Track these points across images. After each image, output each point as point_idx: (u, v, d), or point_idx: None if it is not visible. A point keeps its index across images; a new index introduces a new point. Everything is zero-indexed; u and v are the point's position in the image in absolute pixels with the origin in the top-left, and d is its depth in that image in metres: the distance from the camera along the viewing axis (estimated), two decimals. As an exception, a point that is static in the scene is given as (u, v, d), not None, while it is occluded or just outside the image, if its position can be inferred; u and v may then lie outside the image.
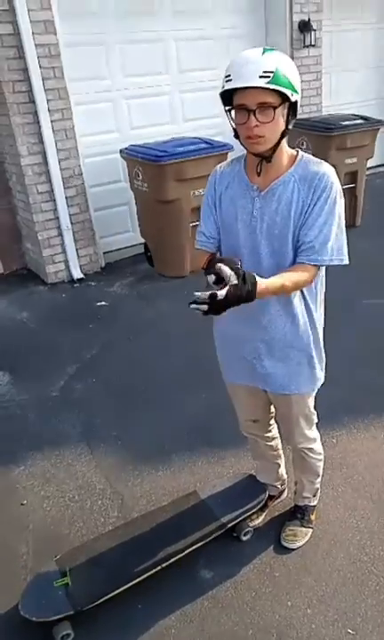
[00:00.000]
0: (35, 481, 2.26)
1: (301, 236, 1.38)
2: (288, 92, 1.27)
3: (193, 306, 1.21)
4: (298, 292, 1.47)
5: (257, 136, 1.30)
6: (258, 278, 1.27)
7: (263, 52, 1.27)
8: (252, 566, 1.81)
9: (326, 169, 1.38)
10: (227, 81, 1.28)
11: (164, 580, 1.74)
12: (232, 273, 1.21)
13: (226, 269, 1.21)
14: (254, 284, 1.25)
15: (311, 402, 1.70)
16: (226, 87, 1.29)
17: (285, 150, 1.39)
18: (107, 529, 1.97)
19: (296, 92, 1.29)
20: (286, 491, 2.05)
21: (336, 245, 1.38)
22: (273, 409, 1.79)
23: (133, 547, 1.79)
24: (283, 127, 1.33)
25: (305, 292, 1.49)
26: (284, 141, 1.37)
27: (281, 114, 1.30)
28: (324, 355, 1.63)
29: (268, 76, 1.23)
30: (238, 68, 1.27)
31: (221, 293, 1.18)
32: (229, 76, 1.28)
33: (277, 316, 1.50)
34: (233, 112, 1.32)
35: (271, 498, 2.00)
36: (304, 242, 1.37)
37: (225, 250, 1.53)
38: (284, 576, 1.78)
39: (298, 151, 1.43)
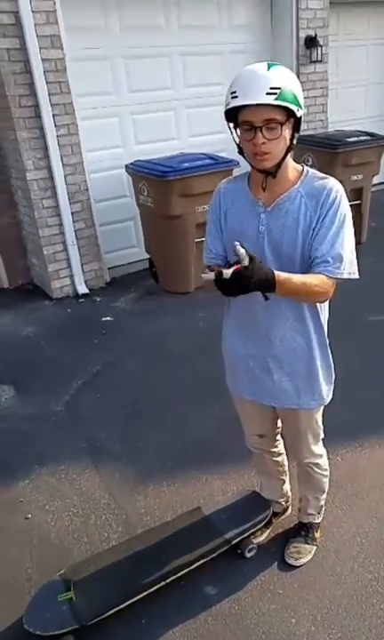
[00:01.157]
0: (39, 495, 2.27)
1: (313, 251, 1.37)
2: (294, 107, 1.28)
3: (204, 275, 1.21)
4: (309, 308, 1.48)
5: (263, 153, 1.31)
6: (277, 272, 1.25)
7: (269, 68, 1.27)
8: (255, 583, 1.81)
9: (333, 183, 1.39)
10: (232, 97, 1.28)
11: (168, 595, 1.75)
12: (246, 255, 1.19)
13: (241, 249, 1.20)
14: (271, 272, 1.23)
15: (319, 417, 1.70)
16: (232, 104, 1.28)
17: (291, 165, 1.40)
18: (111, 544, 1.97)
19: (301, 107, 1.31)
20: (290, 508, 2.05)
21: (348, 259, 1.37)
22: (280, 423, 1.80)
23: (137, 562, 1.80)
24: (288, 143, 1.34)
25: (316, 307, 1.50)
26: (290, 156, 1.38)
27: (287, 129, 1.31)
28: (333, 370, 1.63)
29: (275, 93, 1.24)
30: (244, 84, 1.26)
31: (227, 272, 1.18)
32: (235, 92, 1.27)
33: (288, 331, 1.50)
34: (237, 128, 1.33)
35: (275, 515, 2.00)
36: (317, 256, 1.36)
37: None
38: (287, 593, 1.78)
39: (303, 166, 1.44)
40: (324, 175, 1.43)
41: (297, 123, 1.33)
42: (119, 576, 1.76)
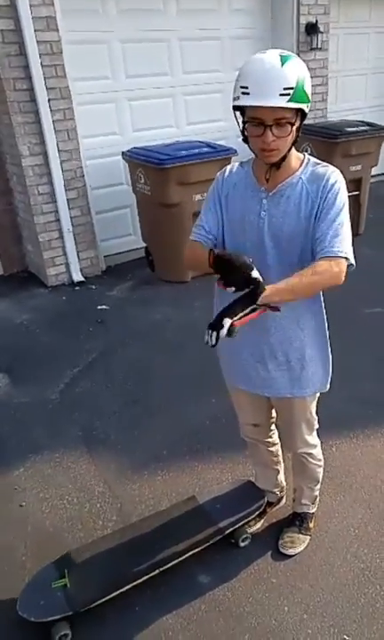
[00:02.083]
0: (34, 483, 2.27)
1: (315, 233, 1.36)
2: (305, 106, 1.26)
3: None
4: (321, 297, 1.47)
5: (272, 149, 1.31)
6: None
7: (283, 62, 1.20)
8: (249, 572, 1.83)
9: (333, 170, 1.40)
10: (243, 93, 1.23)
11: (161, 583, 1.76)
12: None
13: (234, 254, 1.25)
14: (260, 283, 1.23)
15: (313, 407, 1.71)
16: (243, 102, 1.24)
17: (294, 154, 1.40)
18: (105, 532, 1.98)
19: (310, 102, 1.29)
20: (285, 498, 2.06)
21: (346, 242, 1.34)
22: (274, 413, 1.80)
23: (132, 550, 1.81)
24: (293, 137, 1.33)
25: (316, 296, 1.49)
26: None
27: (297, 124, 1.30)
28: (330, 359, 1.63)
29: (289, 94, 1.20)
30: (257, 80, 1.21)
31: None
32: (246, 88, 1.22)
33: (284, 319, 1.49)
34: (245, 120, 1.30)
35: (270, 504, 2.01)
36: (316, 237, 1.35)
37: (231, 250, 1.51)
38: (281, 582, 1.79)
39: (304, 154, 1.45)
40: (324, 163, 1.43)
41: (304, 114, 1.32)
42: (113, 564, 1.77)
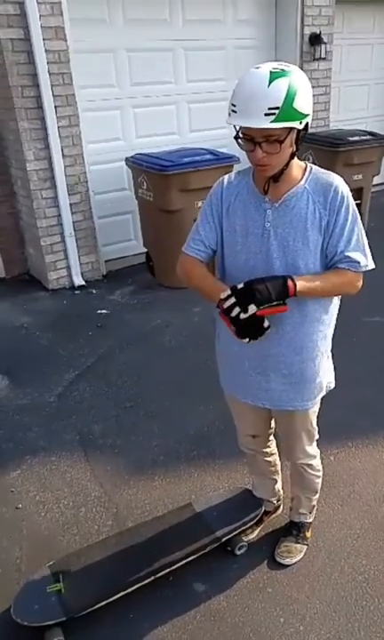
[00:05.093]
0: (30, 486, 2.26)
1: (330, 248, 1.38)
2: (295, 123, 1.23)
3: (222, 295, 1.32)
4: (313, 307, 1.45)
5: (263, 164, 1.31)
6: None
7: (270, 81, 1.19)
8: (245, 581, 1.81)
9: (338, 179, 1.39)
10: (232, 110, 1.24)
11: (156, 590, 1.74)
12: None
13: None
14: (282, 276, 1.33)
15: (314, 418, 1.69)
16: (231, 120, 1.25)
17: (295, 164, 1.38)
18: (101, 537, 1.96)
19: (306, 116, 1.26)
20: (282, 506, 2.05)
21: (365, 251, 1.41)
22: (273, 424, 1.79)
23: (127, 556, 1.79)
24: (291, 151, 1.32)
25: (322, 306, 1.47)
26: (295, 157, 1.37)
27: (289, 141, 1.28)
28: (332, 368, 1.62)
29: (274, 114, 1.19)
30: (243, 99, 1.21)
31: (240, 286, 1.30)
32: (235, 106, 1.23)
33: (288, 332, 1.46)
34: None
35: (267, 513, 1.99)
36: (336, 253, 1.38)
37: (228, 264, 1.48)
38: (277, 592, 1.77)
39: (306, 163, 1.43)
40: (326, 171, 1.43)
41: (304, 127, 1.29)
42: (108, 570, 1.75)
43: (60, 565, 1.76)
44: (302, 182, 1.38)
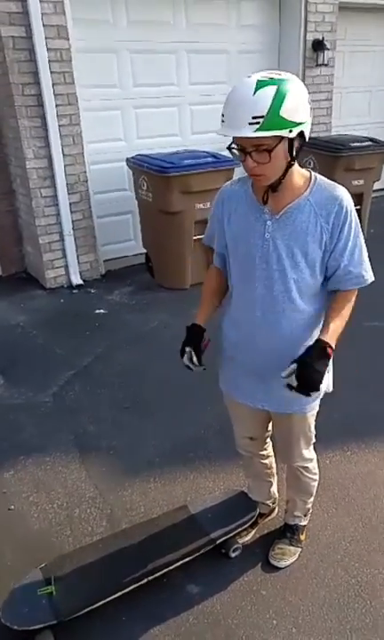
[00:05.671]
0: (24, 486, 2.24)
1: (332, 261, 1.39)
2: (283, 132, 1.20)
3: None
4: (315, 311, 1.49)
5: (256, 174, 1.30)
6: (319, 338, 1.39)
7: (256, 90, 1.17)
8: (239, 583, 1.80)
9: (343, 193, 1.37)
10: (222, 120, 1.24)
11: (149, 592, 1.73)
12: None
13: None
14: (317, 342, 1.39)
15: (312, 422, 1.69)
16: (219, 131, 1.25)
17: (297, 173, 1.36)
18: (94, 538, 1.95)
19: (297, 125, 1.22)
20: (277, 509, 2.05)
21: (367, 265, 1.43)
22: (270, 427, 1.79)
23: (120, 558, 1.78)
24: (286, 160, 1.28)
25: (319, 314, 1.50)
26: (295, 166, 1.34)
27: (281, 150, 1.25)
28: (331, 371, 1.62)
29: (258, 122, 1.17)
30: (230, 109, 1.21)
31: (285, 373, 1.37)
32: (223, 116, 1.23)
33: (291, 334, 1.48)
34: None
35: (261, 515, 1.99)
36: (339, 267, 1.40)
37: (233, 271, 1.53)
38: (270, 594, 1.77)
39: (311, 172, 1.40)
40: (332, 183, 1.40)
41: (300, 136, 1.26)
42: (101, 572, 1.74)
43: (51, 567, 1.75)
44: (306, 193, 1.36)
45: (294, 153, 1.29)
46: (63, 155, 3.93)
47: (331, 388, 1.65)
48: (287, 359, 1.48)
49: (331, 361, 1.59)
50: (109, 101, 4.31)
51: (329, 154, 4.42)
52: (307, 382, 1.34)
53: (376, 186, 4.95)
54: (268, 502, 2.00)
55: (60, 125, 3.85)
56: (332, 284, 1.46)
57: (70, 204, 4.06)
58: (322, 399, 1.65)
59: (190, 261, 4.04)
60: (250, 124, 1.18)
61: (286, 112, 1.19)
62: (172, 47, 4.48)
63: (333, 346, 1.39)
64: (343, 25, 5.37)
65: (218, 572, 1.84)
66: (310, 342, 1.47)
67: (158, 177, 3.76)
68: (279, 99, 1.18)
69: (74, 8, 3.74)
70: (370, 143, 4.62)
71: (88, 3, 3.93)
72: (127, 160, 4.14)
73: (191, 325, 1.58)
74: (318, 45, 4.90)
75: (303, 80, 4.95)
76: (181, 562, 1.76)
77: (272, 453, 1.90)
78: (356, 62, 5.90)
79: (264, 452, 1.87)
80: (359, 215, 4.85)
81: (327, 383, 1.62)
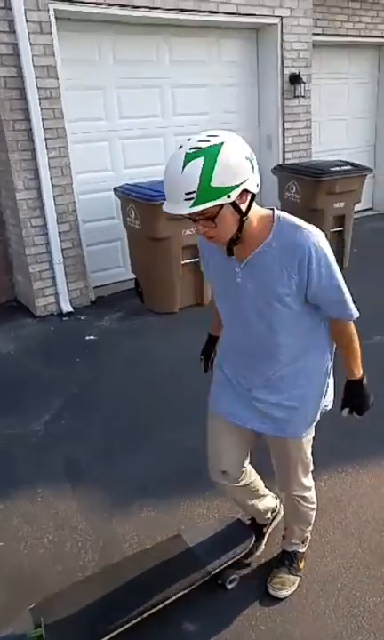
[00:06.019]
0: (13, 521, 2.17)
1: (310, 299, 1.40)
2: (220, 200, 1.19)
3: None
4: (324, 335, 1.52)
5: (210, 237, 1.32)
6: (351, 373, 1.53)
7: (184, 165, 1.17)
8: (237, 619, 1.73)
9: (306, 235, 1.32)
10: (164, 197, 1.27)
11: (144, 632, 1.65)
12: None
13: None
14: (353, 380, 1.54)
15: (308, 448, 1.66)
16: (164, 208, 1.26)
17: (257, 221, 1.33)
18: (86, 573, 1.88)
19: (235, 187, 1.19)
20: (281, 511, 1.95)
21: (348, 304, 1.44)
22: (248, 461, 1.72)
23: (113, 595, 1.71)
24: (235, 219, 1.27)
25: (323, 332, 1.51)
26: (253, 211, 1.29)
27: (227, 213, 1.24)
28: (332, 386, 1.63)
29: (192, 198, 1.18)
30: (167, 187, 1.24)
31: (345, 412, 1.58)
32: (164, 192, 1.26)
33: (289, 357, 1.48)
34: None
35: (264, 525, 1.94)
36: (326, 308, 1.45)
37: (218, 304, 1.56)
38: (270, 629, 1.70)
39: (273, 211, 1.36)
40: (295, 224, 1.35)
41: (245, 191, 1.23)
42: (92, 612, 1.66)
43: (41, 608, 1.67)
44: (268, 239, 1.34)
45: (244, 209, 1.27)
46: (52, 185, 4.00)
47: (330, 406, 1.64)
48: (290, 377, 1.53)
49: (331, 379, 1.61)
50: (97, 133, 4.43)
51: (311, 178, 4.52)
52: (363, 409, 1.57)
53: (357, 207, 5.07)
54: (266, 517, 1.93)
55: (49, 158, 3.94)
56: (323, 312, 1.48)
57: (60, 233, 4.11)
58: (319, 420, 1.63)
59: (179, 285, 4.08)
60: (185, 200, 1.19)
61: (218, 181, 1.18)
62: (156, 82, 4.65)
63: (360, 372, 1.54)
64: (317, 60, 5.66)
65: (215, 606, 1.77)
66: (312, 361, 1.52)
67: (146, 205, 3.82)
68: (207, 171, 1.16)
69: (62, 50, 3.89)
70: (349, 167, 4.75)
71: (76, 44, 4.10)
72: (115, 189, 4.21)
73: (208, 335, 1.76)
74: (295, 79, 5.14)
75: (282, 110, 5.16)
76: (177, 596, 1.69)
77: (251, 479, 1.79)
78: (331, 94, 6.24)
79: (239, 485, 1.74)
80: (342, 236, 4.99)
81: (330, 400, 1.63)
